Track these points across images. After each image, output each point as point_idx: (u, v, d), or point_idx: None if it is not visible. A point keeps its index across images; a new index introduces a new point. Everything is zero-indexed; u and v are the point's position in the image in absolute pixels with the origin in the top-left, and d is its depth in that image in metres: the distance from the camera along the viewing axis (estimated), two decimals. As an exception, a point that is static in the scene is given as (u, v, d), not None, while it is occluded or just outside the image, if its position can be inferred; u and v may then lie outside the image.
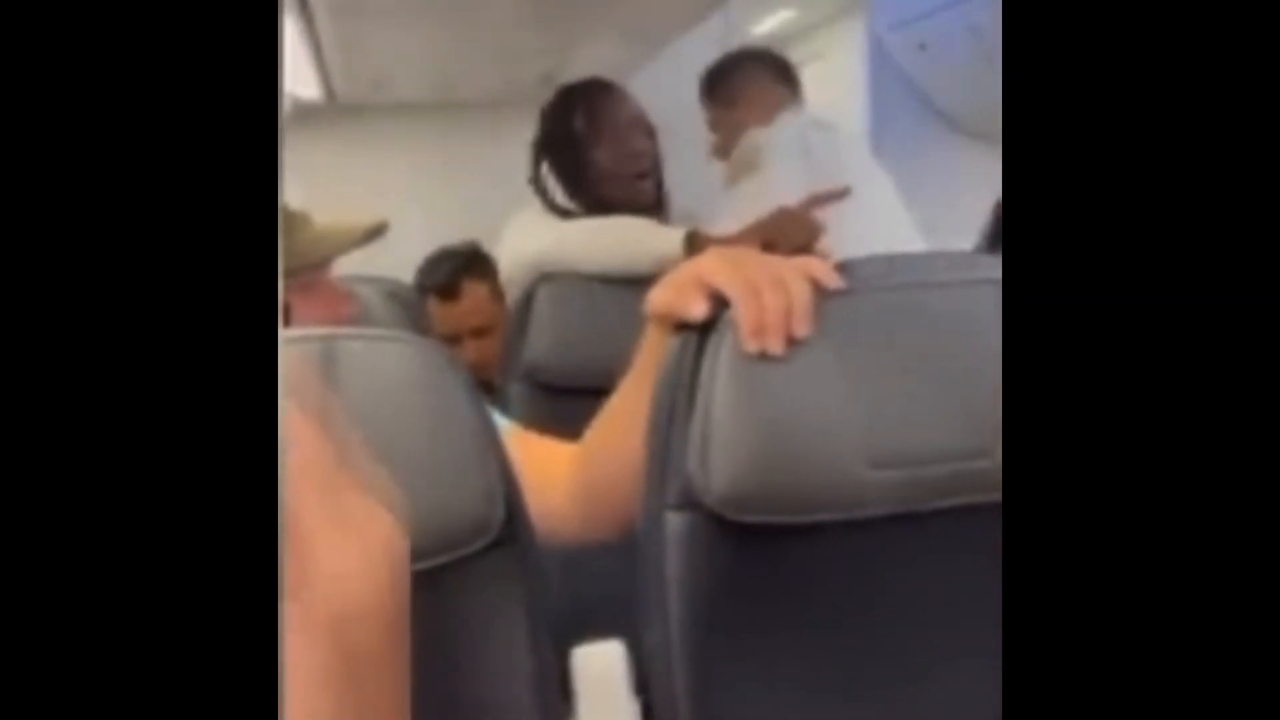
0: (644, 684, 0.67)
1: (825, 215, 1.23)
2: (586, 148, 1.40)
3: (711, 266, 0.61)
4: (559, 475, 0.74)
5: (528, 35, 1.68)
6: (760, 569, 0.62)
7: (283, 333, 0.34)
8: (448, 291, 1.56)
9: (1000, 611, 0.35)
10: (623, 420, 0.69)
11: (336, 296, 0.91)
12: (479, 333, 1.57)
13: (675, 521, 0.61)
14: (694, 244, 1.22)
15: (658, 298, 0.65)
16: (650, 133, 1.44)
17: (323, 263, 0.90)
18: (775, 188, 1.32)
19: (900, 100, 2.14)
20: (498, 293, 1.54)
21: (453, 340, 1.56)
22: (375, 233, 0.93)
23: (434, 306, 1.57)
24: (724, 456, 0.58)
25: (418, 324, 1.47)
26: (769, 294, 0.58)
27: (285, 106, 1.88)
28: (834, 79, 2.11)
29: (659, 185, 1.45)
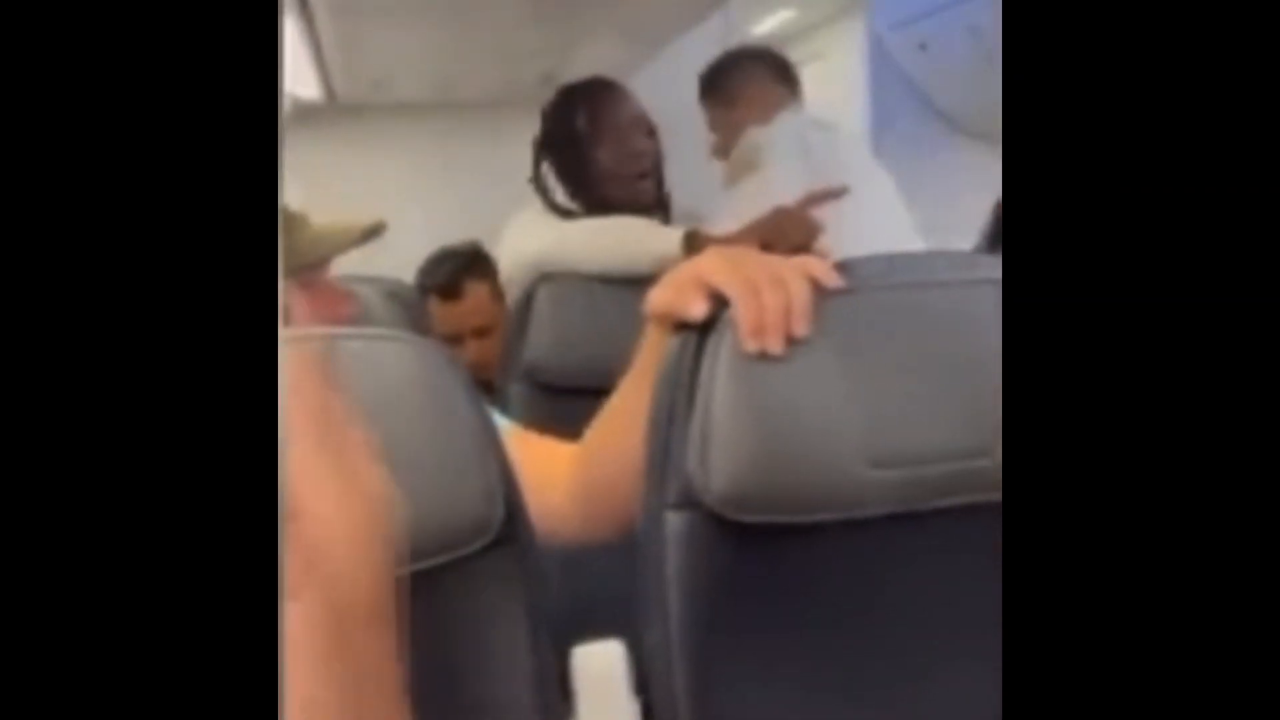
0: (644, 684, 0.67)
1: (825, 214, 1.23)
2: (588, 147, 1.40)
3: (711, 266, 0.61)
4: (559, 475, 0.74)
5: (528, 35, 1.68)
6: (760, 568, 0.62)
7: (283, 333, 0.34)
8: (449, 291, 1.56)
9: (1000, 611, 0.35)
10: (623, 420, 0.69)
11: (336, 296, 0.90)
12: (480, 332, 1.57)
13: (675, 521, 0.61)
14: (693, 244, 1.22)
15: (657, 297, 0.65)
16: (651, 132, 1.44)
17: (321, 263, 0.90)
18: (774, 187, 1.32)
19: (900, 100, 2.13)
20: (499, 292, 1.54)
21: (454, 340, 1.56)
22: (373, 232, 0.93)
23: (435, 306, 1.57)
24: (724, 456, 0.58)
25: (418, 324, 1.47)
26: (768, 293, 0.58)
27: (285, 106, 1.88)
28: (834, 79, 2.11)
29: (660, 185, 1.45)
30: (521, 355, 1.30)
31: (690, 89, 1.62)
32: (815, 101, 1.62)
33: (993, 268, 0.62)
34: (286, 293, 0.83)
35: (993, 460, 0.59)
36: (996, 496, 0.48)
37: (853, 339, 0.59)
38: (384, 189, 2.15)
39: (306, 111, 2.06)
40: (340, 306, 0.90)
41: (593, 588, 0.91)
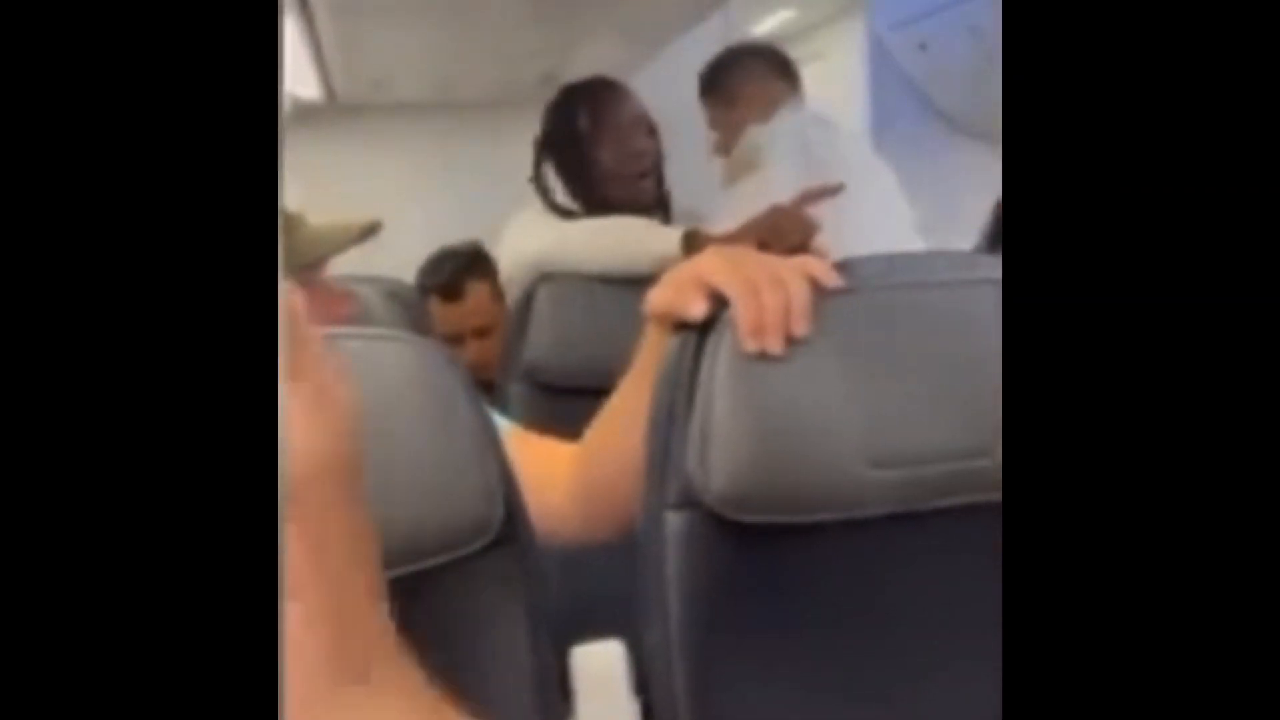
0: (644, 684, 0.67)
1: (824, 212, 1.23)
2: (589, 146, 1.40)
3: (710, 266, 0.61)
4: (559, 475, 0.74)
5: (528, 35, 1.68)
6: (760, 568, 0.62)
7: (283, 333, 0.34)
8: (450, 292, 1.56)
9: (1000, 611, 0.35)
10: (623, 420, 0.69)
11: (334, 296, 0.90)
12: (481, 333, 1.57)
13: (675, 521, 0.61)
14: (692, 243, 1.22)
15: (657, 297, 0.65)
16: (653, 132, 1.44)
17: (318, 263, 0.90)
18: (773, 187, 1.32)
19: (900, 100, 2.13)
20: (499, 292, 1.54)
21: (455, 340, 1.56)
22: (369, 232, 0.93)
23: (436, 307, 1.57)
24: (723, 456, 0.58)
25: (418, 324, 1.47)
26: (768, 293, 0.58)
27: (285, 106, 1.88)
28: (834, 79, 2.11)
29: (661, 184, 1.45)
30: (521, 355, 1.31)
31: (690, 89, 1.62)
32: (815, 102, 1.62)
33: (993, 268, 0.62)
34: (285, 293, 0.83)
35: (993, 460, 0.59)
36: (996, 496, 0.48)
37: (853, 339, 0.59)
38: (384, 189, 2.15)
39: (306, 111, 2.06)
40: (339, 306, 0.90)
41: (593, 588, 0.91)
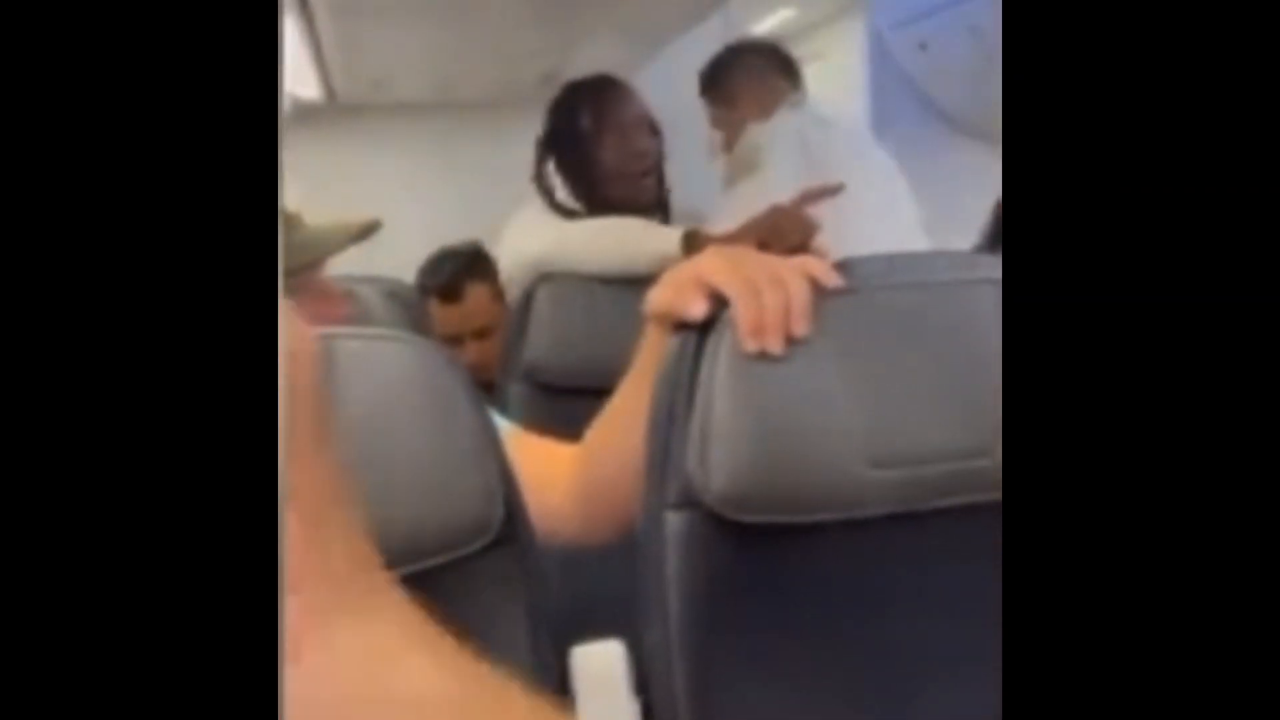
0: (644, 684, 0.67)
1: (826, 212, 1.23)
2: (592, 145, 1.40)
3: (710, 266, 0.61)
4: (559, 475, 0.74)
5: (528, 35, 1.68)
6: (760, 568, 0.62)
7: (283, 333, 0.34)
8: (450, 293, 1.56)
9: (1000, 611, 0.35)
10: (623, 420, 0.69)
11: (332, 297, 0.90)
12: (480, 334, 1.57)
13: (675, 521, 0.61)
14: (692, 244, 1.22)
15: (657, 297, 0.65)
16: (655, 131, 1.44)
17: (316, 263, 0.90)
18: (773, 187, 1.32)
19: (901, 100, 2.14)
20: (499, 293, 1.54)
21: (454, 341, 1.55)
22: (367, 231, 0.93)
23: (435, 308, 1.57)
24: (723, 456, 0.58)
25: (418, 323, 1.47)
26: (768, 293, 0.58)
27: (285, 106, 1.88)
28: (834, 78, 2.11)
29: (662, 184, 1.45)
30: (521, 355, 1.30)
31: (690, 89, 1.62)
32: (815, 101, 1.62)
33: (993, 268, 0.62)
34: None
35: (993, 460, 0.59)
36: (996, 496, 0.48)
37: (853, 339, 0.59)
38: (384, 189, 2.15)
39: (306, 111, 2.06)
40: (337, 307, 0.90)
41: (593, 588, 0.91)
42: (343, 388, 0.52)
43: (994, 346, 0.58)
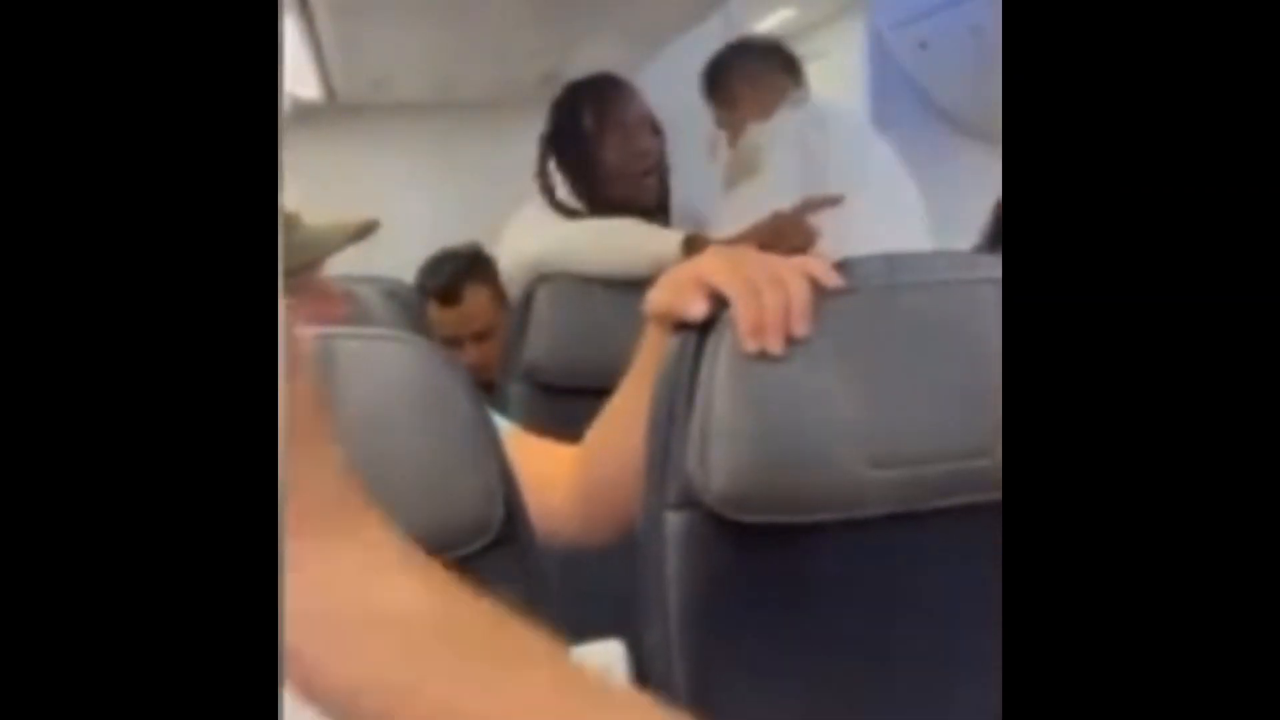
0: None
1: (828, 212, 1.23)
2: (594, 145, 1.40)
3: (710, 266, 0.61)
4: (559, 476, 0.74)
5: (528, 35, 1.68)
6: (760, 568, 0.62)
7: (282, 333, 0.34)
8: (449, 296, 1.55)
9: (1000, 611, 0.35)
10: (623, 420, 0.69)
11: (330, 297, 0.90)
12: (480, 336, 1.56)
13: (675, 521, 0.61)
14: (692, 249, 1.22)
15: (657, 298, 0.65)
16: (657, 131, 1.44)
17: (314, 263, 0.90)
18: (772, 192, 1.32)
19: (901, 99, 2.13)
20: (499, 295, 1.54)
21: (453, 343, 1.55)
22: (365, 231, 0.93)
23: (434, 311, 1.56)
24: (723, 455, 0.58)
25: (417, 323, 1.47)
26: (768, 293, 0.58)
27: (285, 106, 1.88)
28: (834, 78, 2.11)
29: (664, 184, 1.45)
30: (521, 355, 1.30)
31: (689, 90, 1.62)
32: (818, 98, 1.61)
33: (993, 268, 0.62)
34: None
35: (993, 460, 0.59)
36: (996, 496, 0.48)
37: (853, 339, 0.59)
38: (384, 189, 2.15)
39: (306, 111, 2.06)
40: (335, 307, 0.90)
41: (593, 588, 0.91)
42: (342, 388, 0.52)
43: (994, 346, 0.58)
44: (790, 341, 0.58)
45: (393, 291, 1.49)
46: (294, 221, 0.90)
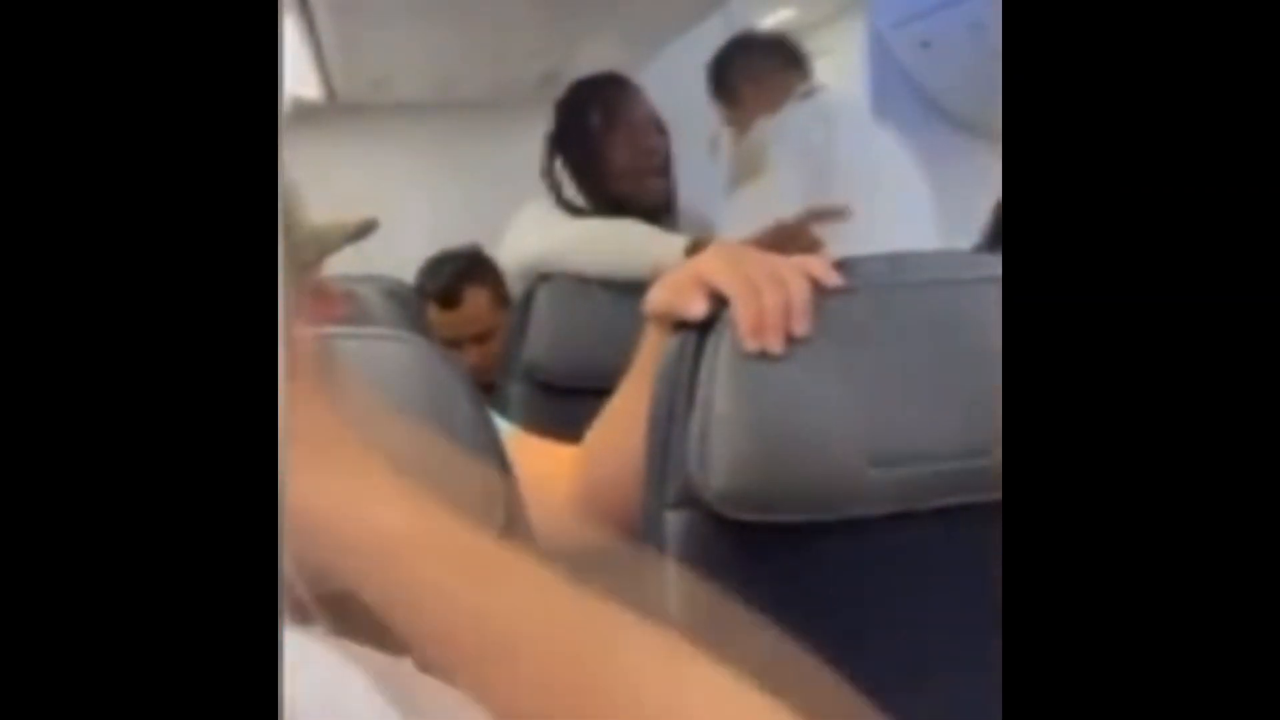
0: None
1: (829, 215, 1.23)
2: (602, 144, 1.40)
3: (710, 265, 0.61)
4: (559, 476, 0.74)
5: (528, 35, 1.68)
6: (760, 568, 0.62)
7: (283, 333, 0.34)
8: (448, 299, 1.55)
9: (1000, 611, 0.35)
10: (623, 420, 0.69)
11: (330, 297, 0.90)
12: (479, 338, 1.56)
13: (675, 520, 0.61)
14: (695, 253, 1.22)
15: (657, 297, 0.65)
16: (662, 130, 1.44)
17: (313, 263, 0.90)
18: (776, 194, 1.32)
19: (902, 98, 2.13)
20: (499, 297, 1.53)
21: (452, 346, 1.55)
22: (364, 230, 0.92)
23: (434, 313, 1.56)
24: (723, 455, 0.58)
25: (417, 323, 1.46)
26: (768, 292, 0.58)
27: (285, 106, 1.87)
28: (835, 76, 2.11)
29: (669, 183, 1.45)
30: (521, 355, 1.30)
31: (690, 89, 1.62)
32: (823, 92, 1.60)
33: (993, 267, 0.62)
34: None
35: (992, 460, 0.59)
36: (996, 496, 0.48)
37: (853, 339, 0.59)
38: (384, 189, 2.15)
39: (306, 111, 2.06)
40: (335, 307, 0.90)
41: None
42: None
43: (994, 346, 0.58)
44: (790, 341, 0.58)
45: (393, 291, 1.48)
46: (293, 221, 0.90)
